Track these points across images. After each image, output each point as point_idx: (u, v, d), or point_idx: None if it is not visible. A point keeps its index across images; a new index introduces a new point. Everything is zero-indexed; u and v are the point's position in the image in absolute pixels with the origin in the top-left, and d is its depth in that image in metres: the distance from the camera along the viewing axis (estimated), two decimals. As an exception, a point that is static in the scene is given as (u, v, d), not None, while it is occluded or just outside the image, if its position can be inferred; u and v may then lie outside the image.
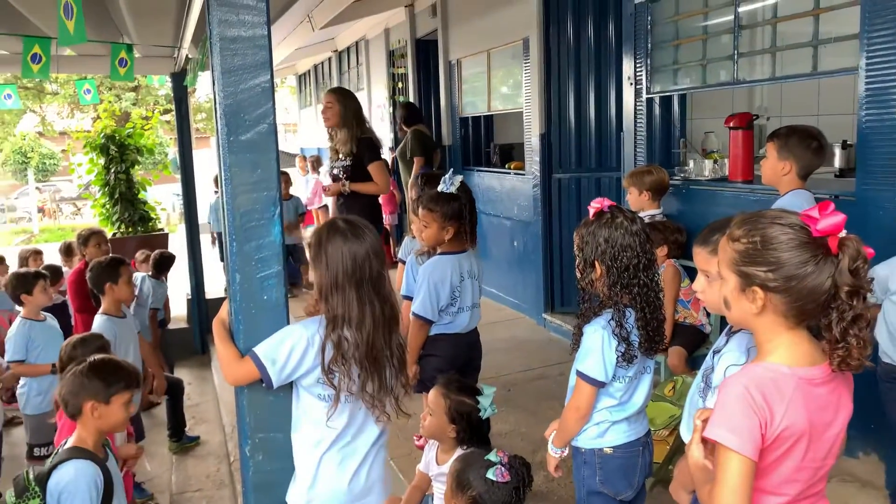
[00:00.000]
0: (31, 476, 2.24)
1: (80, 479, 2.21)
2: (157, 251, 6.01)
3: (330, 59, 11.46)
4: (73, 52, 5.70)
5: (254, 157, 1.75)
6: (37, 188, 23.31)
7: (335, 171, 4.62)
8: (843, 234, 1.33)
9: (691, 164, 4.27)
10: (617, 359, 2.01)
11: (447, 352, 3.07)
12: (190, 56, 5.67)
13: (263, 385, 1.84)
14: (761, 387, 1.33)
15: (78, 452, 2.28)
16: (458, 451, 2.43)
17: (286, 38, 6.76)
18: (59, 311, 4.81)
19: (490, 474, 1.99)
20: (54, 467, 2.23)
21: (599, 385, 2.04)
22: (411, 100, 7.99)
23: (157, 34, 5.14)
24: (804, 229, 1.34)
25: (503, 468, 2.01)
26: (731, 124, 3.89)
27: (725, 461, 1.33)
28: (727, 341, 1.74)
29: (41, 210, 22.28)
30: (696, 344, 3.69)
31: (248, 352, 1.83)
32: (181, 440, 4.80)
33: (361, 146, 4.52)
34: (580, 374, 2.06)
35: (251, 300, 1.81)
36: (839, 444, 1.43)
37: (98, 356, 2.54)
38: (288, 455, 1.94)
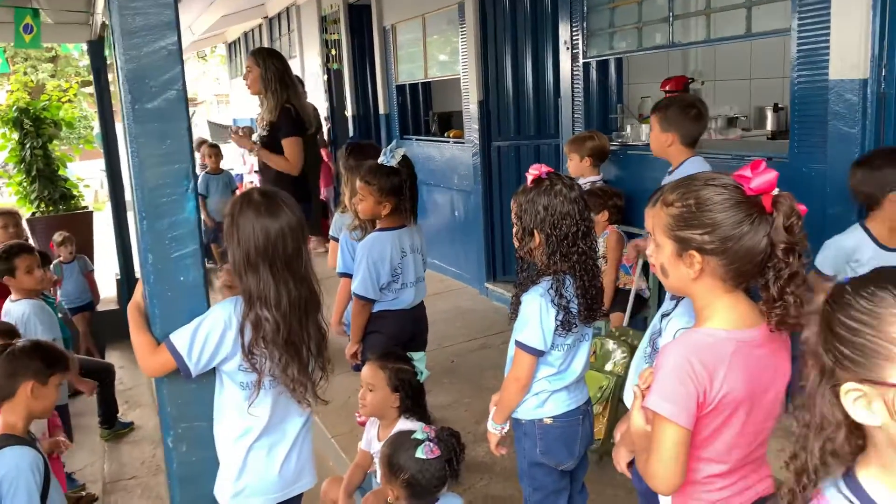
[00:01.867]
0: None
1: (21, 464, 2.11)
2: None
3: (260, 25, 11.03)
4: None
5: (162, 127, 1.61)
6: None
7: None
8: (776, 191, 1.31)
9: (628, 129, 4.26)
10: (556, 327, 1.98)
11: (391, 328, 2.99)
12: (107, 22, 5.34)
13: (182, 375, 1.73)
14: (699, 354, 1.31)
15: (10, 439, 2.18)
16: (401, 422, 2.39)
17: (212, 4, 6.44)
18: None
19: (419, 452, 1.95)
20: None
21: (538, 354, 2.00)
22: (345, 67, 7.76)
23: (67, -2, 4.81)
24: (738, 189, 1.32)
25: (431, 444, 1.97)
26: (667, 88, 3.89)
27: (660, 430, 1.31)
28: (676, 304, 1.71)
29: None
30: (636, 309, 3.71)
31: (164, 339, 1.71)
32: (113, 427, 4.60)
33: (281, 116, 4.01)
34: (519, 344, 2.01)
35: (166, 282, 1.68)
36: (779, 405, 1.42)
37: (32, 339, 2.51)
38: (213, 444, 1.84)
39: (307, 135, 4.22)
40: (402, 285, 2.99)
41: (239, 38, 12.79)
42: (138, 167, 1.62)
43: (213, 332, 1.73)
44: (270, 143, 4.07)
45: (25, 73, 14.66)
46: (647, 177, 3.90)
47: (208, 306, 1.77)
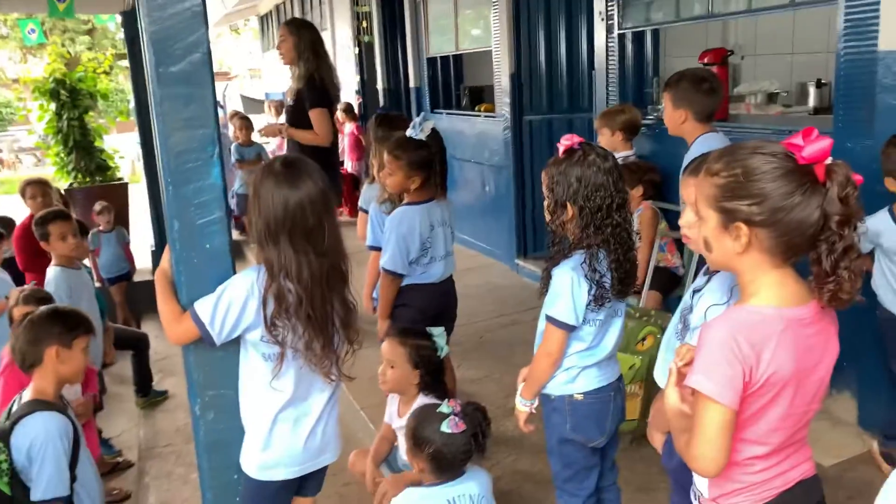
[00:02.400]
0: None
1: (49, 430, 2.13)
2: None
3: (292, -2, 11.02)
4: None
5: (187, 91, 1.59)
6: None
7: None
8: (829, 160, 1.24)
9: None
10: (589, 302, 1.93)
11: (419, 302, 2.96)
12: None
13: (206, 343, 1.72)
14: (746, 331, 1.25)
15: (40, 405, 2.20)
16: (420, 399, 2.38)
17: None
18: (10, 265, 4.58)
19: (444, 426, 1.93)
20: (16, 422, 2.13)
21: (570, 329, 1.96)
22: (376, 39, 7.70)
23: (100, -32, 4.81)
24: (789, 157, 1.24)
25: (457, 418, 1.95)
26: (706, 60, 3.77)
27: (704, 410, 1.25)
28: (707, 280, 1.65)
29: (-1, 161, 21.45)
30: (670, 287, 3.63)
31: (189, 307, 1.71)
32: (148, 395, 4.68)
33: (306, 87, 3.99)
34: (550, 319, 1.97)
35: (192, 248, 1.67)
36: (824, 386, 1.36)
37: (51, 305, 2.49)
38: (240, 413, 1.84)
39: (333, 106, 4.20)
40: (430, 259, 2.96)
41: (271, 11, 12.79)
42: (164, 132, 1.60)
43: (236, 300, 1.72)
44: (296, 112, 4.06)
45: (63, 45, 14.82)
46: (683, 153, 3.80)
47: (234, 273, 1.75)
